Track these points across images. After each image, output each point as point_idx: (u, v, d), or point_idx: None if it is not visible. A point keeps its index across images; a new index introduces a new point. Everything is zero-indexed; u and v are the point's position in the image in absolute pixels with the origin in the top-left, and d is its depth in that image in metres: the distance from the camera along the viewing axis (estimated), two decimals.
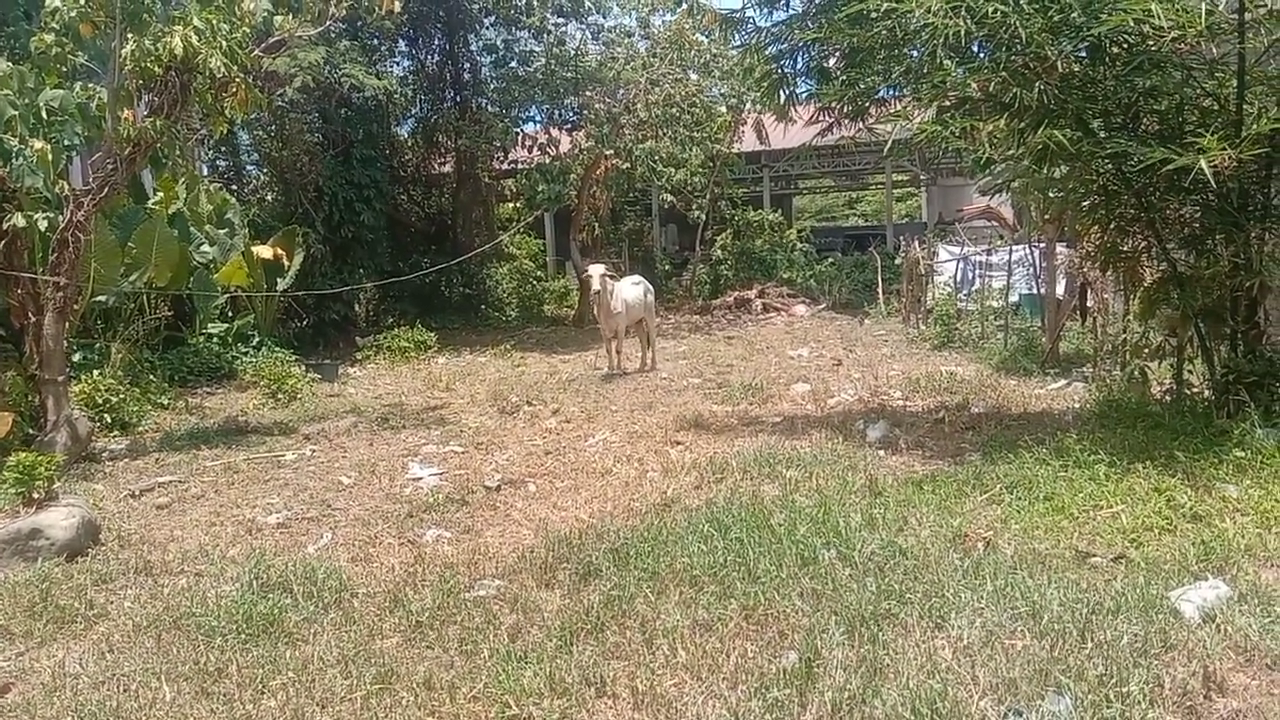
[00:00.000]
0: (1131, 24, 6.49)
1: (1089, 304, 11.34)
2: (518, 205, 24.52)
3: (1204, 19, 6.28)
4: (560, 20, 21.44)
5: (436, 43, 22.22)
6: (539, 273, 26.52)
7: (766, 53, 8.95)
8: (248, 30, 9.16)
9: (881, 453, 7.85)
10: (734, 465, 7.52)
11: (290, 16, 9.69)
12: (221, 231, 15.05)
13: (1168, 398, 8.25)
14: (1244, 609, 4.13)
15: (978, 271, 17.58)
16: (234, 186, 19.82)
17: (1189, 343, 8.14)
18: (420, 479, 8.01)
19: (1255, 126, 6.37)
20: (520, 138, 21.86)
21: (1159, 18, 6.17)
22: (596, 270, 13.52)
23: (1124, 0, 6.42)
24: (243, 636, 4.60)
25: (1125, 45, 7.03)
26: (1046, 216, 12.14)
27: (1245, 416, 6.80)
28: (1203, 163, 5.95)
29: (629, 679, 3.94)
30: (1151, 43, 6.82)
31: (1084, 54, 7.28)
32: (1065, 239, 12.76)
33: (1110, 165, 7.44)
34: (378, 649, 4.41)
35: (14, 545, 5.91)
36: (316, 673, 4.16)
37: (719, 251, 26.17)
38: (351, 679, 4.08)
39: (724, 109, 24.00)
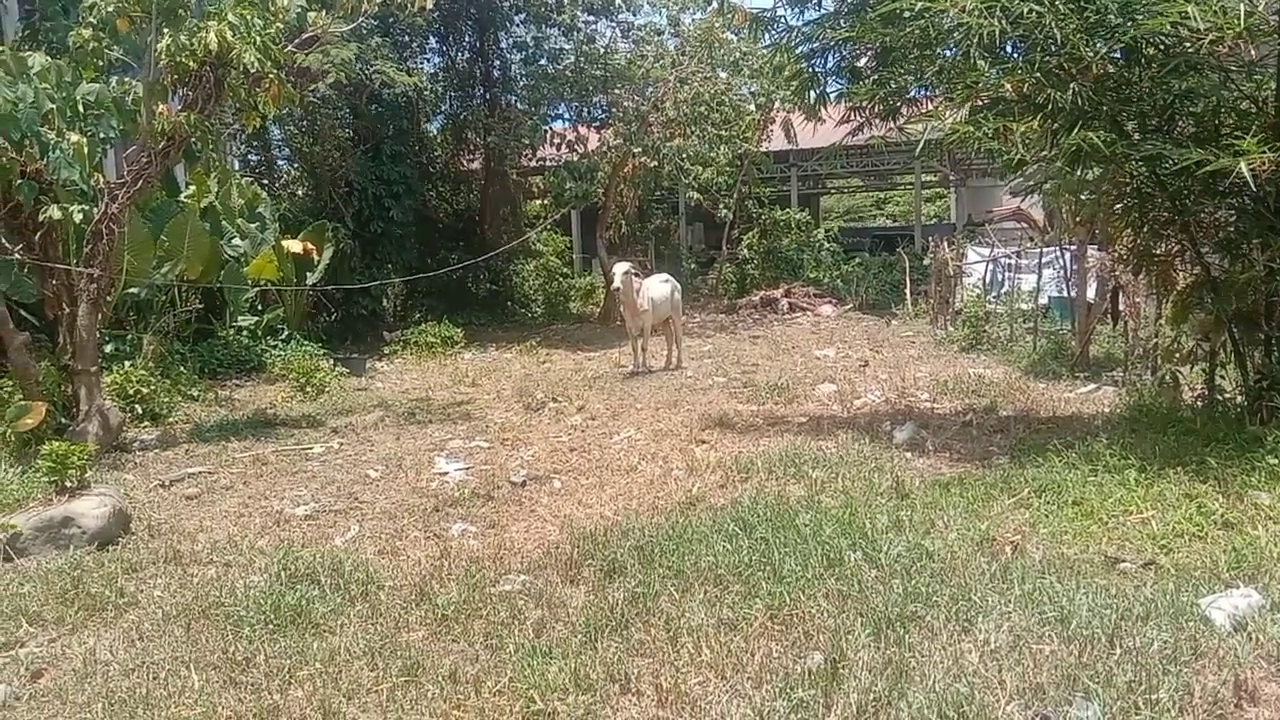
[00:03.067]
0: (1168, 26, 6.42)
1: (1120, 307, 11.22)
2: (545, 202, 24.58)
3: (1243, 20, 6.19)
4: (590, 18, 21.46)
5: (467, 40, 22.28)
6: (565, 270, 26.56)
7: (797, 51, 8.90)
8: (281, 26, 9.22)
9: (908, 455, 7.80)
10: (759, 465, 7.50)
11: (323, 13, 9.75)
12: (252, 225, 15.20)
13: (1199, 403, 8.15)
14: (1276, 617, 4.07)
15: (1007, 273, 17.44)
16: (265, 181, 19.98)
17: (1222, 348, 8.04)
18: (446, 474, 8.05)
19: None
20: (549, 135, 21.89)
21: (1196, 20, 6.10)
22: (619, 269, 13.51)
23: (1161, 2, 6.35)
24: (270, 627, 4.64)
25: (1162, 47, 6.95)
26: (1078, 219, 12.04)
27: (1278, 423, 6.70)
28: (1243, 165, 5.87)
29: (653, 676, 3.94)
30: (1188, 44, 6.74)
31: (1119, 55, 7.20)
32: (1097, 241, 12.64)
33: (1144, 168, 7.35)
34: (404, 641, 4.44)
35: (47, 533, 6.00)
36: (343, 664, 4.19)
37: (746, 250, 26.11)
38: (378, 671, 4.11)
39: (753, 108, 23.95)
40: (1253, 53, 7.20)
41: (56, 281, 9.23)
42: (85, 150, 8.83)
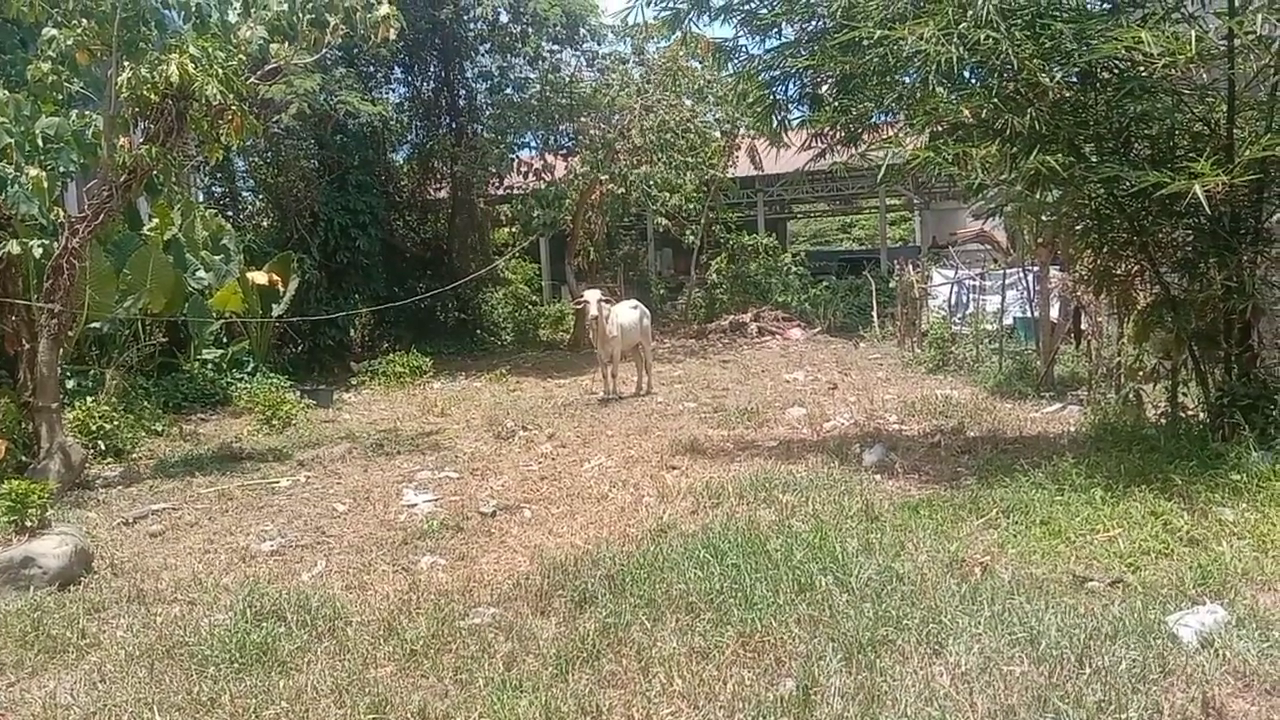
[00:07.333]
0: (1122, 51, 6.54)
1: (1083, 327, 11.36)
2: (513, 230, 24.64)
3: (1194, 45, 6.33)
4: (555, 47, 21.58)
5: (432, 69, 22.36)
6: (534, 297, 26.55)
7: (760, 79, 8.99)
8: (243, 58, 9.21)
9: (878, 477, 7.83)
10: (730, 490, 7.49)
11: (286, 44, 9.73)
12: (217, 257, 15.09)
13: (1163, 421, 8.25)
14: (1242, 633, 4.10)
15: (972, 295, 17.62)
16: (229, 212, 19.88)
17: (1183, 366, 8.15)
18: (415, 505, 7.97)
19: (1247, 152, 6.41)
20: (515, 163, 21.95)
21: (1149, 45, 6.22)
22: (593, 296, 13.56)
23: (1115, 28, 6.47)
24: (236, 666, 4.55)
25: (1116, 71, 7.08)
26: (1039, 240, 12.19)
27: (1240, 439, 6.79)
28: (1197, 187, 5.97)
29: (625, 708, 3.90)
30: (1142, 69, 6.87)
31: (1075, 80, 7.33)
32: (1058, 262, 12.80)
33: (1102, 190, 7.47)
34: (372, 678, 4.37)
35: (6, 574, 5.87)
36: (310, 702, 4.12)
37: (714, 275, 26.23)
38: (345, 708, 4.04)
39: (718, 134, 24.15)
40: (1204, 76, 7.35)
41: (16, 317, 9.10)
42: (45, 184, 8.74)
